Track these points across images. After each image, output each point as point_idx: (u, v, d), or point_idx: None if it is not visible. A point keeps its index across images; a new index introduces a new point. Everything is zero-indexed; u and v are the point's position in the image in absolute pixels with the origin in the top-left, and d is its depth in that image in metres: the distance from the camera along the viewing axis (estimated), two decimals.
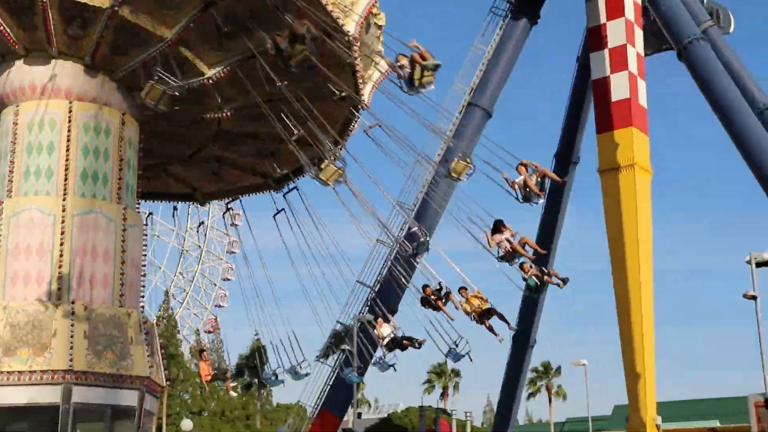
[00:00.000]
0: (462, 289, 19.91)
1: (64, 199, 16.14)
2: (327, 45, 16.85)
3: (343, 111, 19.91)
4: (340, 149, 19.76)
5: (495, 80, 46.55)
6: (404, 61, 16.76)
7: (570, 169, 52.07)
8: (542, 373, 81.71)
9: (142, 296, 17.71)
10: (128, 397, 15.72)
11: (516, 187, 18.21)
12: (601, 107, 48.84)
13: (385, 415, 72.54)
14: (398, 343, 20.99)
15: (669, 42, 46.03)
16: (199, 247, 73.49)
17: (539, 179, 18.21)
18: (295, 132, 18.73)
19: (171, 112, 18.52)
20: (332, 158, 17.79)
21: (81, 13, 15.69)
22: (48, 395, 14.86)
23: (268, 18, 16.36)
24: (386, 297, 45.01)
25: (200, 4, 16.05)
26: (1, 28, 15.99)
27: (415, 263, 22.29)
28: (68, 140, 16.39)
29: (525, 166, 18.14)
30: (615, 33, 48.60)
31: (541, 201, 20.03)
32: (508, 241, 17.96)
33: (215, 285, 73.38)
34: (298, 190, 22.27)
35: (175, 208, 30.81)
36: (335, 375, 45.91)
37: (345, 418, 47.16)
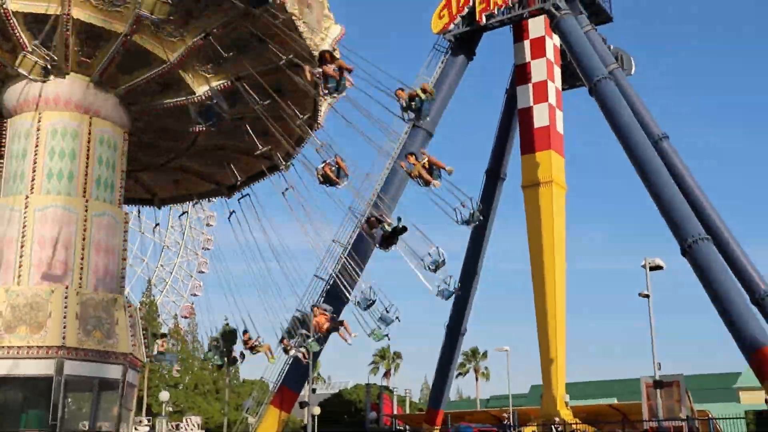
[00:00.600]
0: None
1: (86, 201, 16.01)
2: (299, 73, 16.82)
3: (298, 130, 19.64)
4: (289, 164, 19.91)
5: (437, 105, 46.79)
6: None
7: (498, 183, 52.50)
8: (471, 356, 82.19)
9: (124, 281, 17.51)
10: (113, 371, 15.59)
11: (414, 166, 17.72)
12: (525, 132, 49.46)
13: (337, 391, 72.39)
14: (335, 327, 20.79)
15: (582, 80, 46.73)
16: (178, 243, 73.05)
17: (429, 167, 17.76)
18: (261, 148, 18.78)
19: (160, 125, 18.39)
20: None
21: (97, 37, 15.51)
22: (43, 368, 14.71)
23: (252, 47, 16.39)
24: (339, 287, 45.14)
25: (200, 33, 15.99)
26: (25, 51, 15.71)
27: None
28: (88, 150, 16.18)
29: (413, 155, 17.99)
30: (538, 70, 49.30)
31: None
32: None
33: (191, 276, 73.01)
34: (250, 196, 21.82)
35: (138, 211, 29.69)
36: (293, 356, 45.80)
37: (301, 393, 46.96)
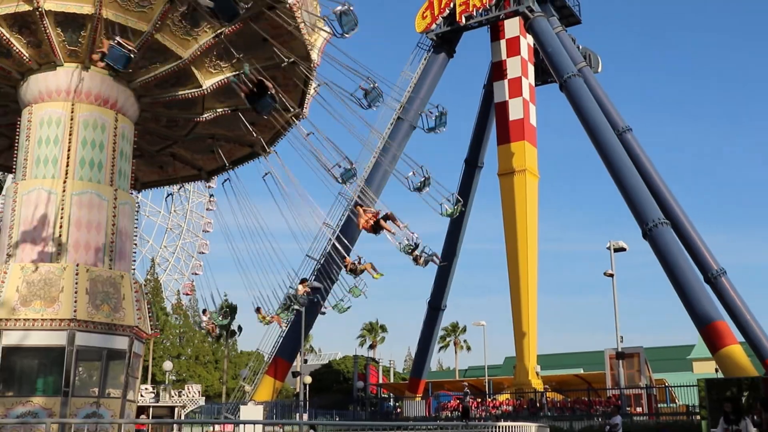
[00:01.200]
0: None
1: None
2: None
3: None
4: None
5: (419, 100, 46.86)
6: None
7: (476, 171, 52.74)
8: (451, 330, 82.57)
9: (134, 262, 17.56)
10: (120, 342, 15.59)
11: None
12: (501, 124, 49.68)
13: (327, 362, 72.73)
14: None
15: (553, 76, 46.90)
16: (180, 226, 72.94)
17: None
18: (255, 134, 18.86)
19: (166, 115, 18.36)
20: None
21: (124, 35, 15.51)
22: (56, 339, 14.72)
23: (258, 45, 16.37)
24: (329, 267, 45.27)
25: (213, 33, 15.99)
26: (15, 48, 15.69)
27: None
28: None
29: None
30: (513, 67, 49.48)
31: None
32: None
33: (192, 257, 73.01)
34: (230, 181, 21.50)
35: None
36: (287, 329, 45.98)
37: (294, 363, 47.21)
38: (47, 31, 15.15)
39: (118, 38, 13.76)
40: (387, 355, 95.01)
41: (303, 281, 20.82)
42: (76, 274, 14.98)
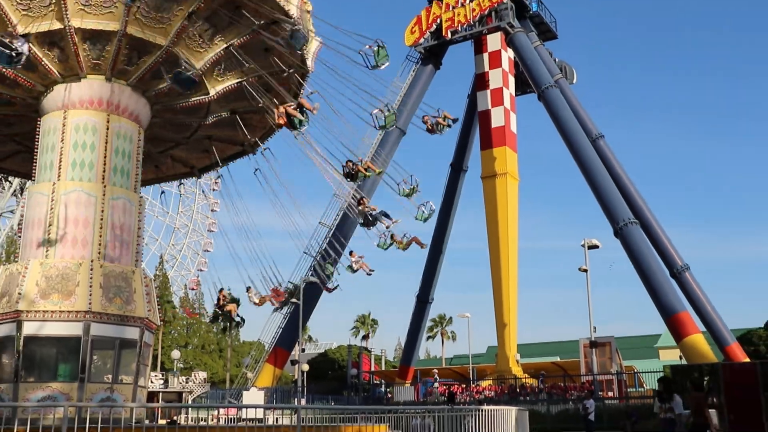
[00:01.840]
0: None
1: (104, 186, 16.03)
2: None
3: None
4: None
5: (408, 107, 46.99)
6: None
7: (461, 174, 52.86)
8: (437, 322, 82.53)
9: (143, 258, 17.58)
10: (132, 332, 15.58)
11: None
12: (484, 131, 49.82)
13: (323, 351, 72.59)
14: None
15: (532, 87, 47.09)
16: (187, 225, 72.77)
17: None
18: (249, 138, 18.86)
19: (173, 120, 18.35)
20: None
21: (143, 48, 15.59)
22: (72, 329, 14.72)
23: (259, 54, 16.42)
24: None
25: (223, 46, 16.05)
26: (44, 63, 15.70)
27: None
28: (106, 142, 16.15)
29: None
30: (495, 78, 49.64)
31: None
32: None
33: (198, 254, 72.88)
34: (222, 176, 21.39)
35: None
36: (287, 320, 46.01)
37: (292, 352, 47.18)
38: (75, 46, 15.19)
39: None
40: (379, 345, 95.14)
41: (248, 289, 20.73)
42: (91, 270, 14.99)
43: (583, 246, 37.42)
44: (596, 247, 37.64)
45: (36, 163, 16.22)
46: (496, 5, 47.59)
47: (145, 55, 15.79)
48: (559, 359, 55.30)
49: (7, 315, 14.81)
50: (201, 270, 70.07)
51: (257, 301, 20.23)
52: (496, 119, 49.17)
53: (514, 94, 50.83)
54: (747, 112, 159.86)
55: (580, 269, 37.60)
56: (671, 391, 14.51)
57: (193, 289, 62.83)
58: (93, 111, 16.09)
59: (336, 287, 22.49)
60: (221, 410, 23.89)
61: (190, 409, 24.13)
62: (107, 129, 16.10)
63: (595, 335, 36.94)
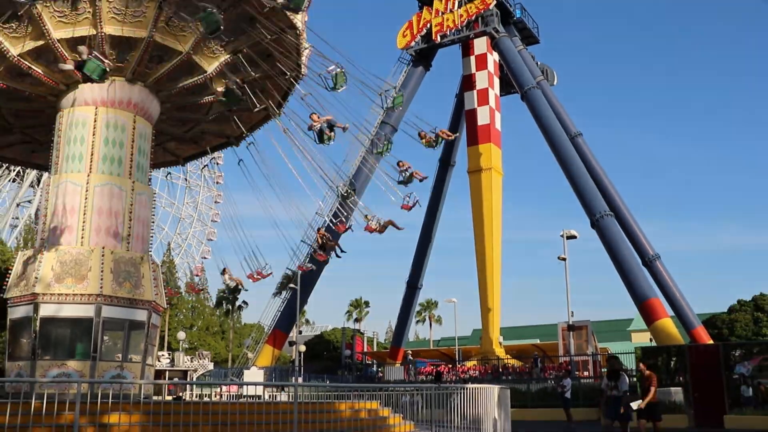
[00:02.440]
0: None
1: (133, 182, 16.01)
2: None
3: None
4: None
5: (400, 107, 46.97)
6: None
7: (449, 169, 52.98)
8: (426, 306, 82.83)
9: (151, 246, 17.54)
10: (140, 314, 15.60)
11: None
12: (470, 129, 49.89)
13: (319, 333, 72.72)
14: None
15: (516, 88, 47.18)
16: (192, 216, 72.59)
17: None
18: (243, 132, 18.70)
19: (177, 117, 18.27)
20: None
21: (164, 53, 15.51)
22: (85, 311, 14.72)
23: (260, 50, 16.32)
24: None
25: (231, 52, 15.92)
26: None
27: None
28: (132, 141, 16.19)
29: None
30: (481, 80, 49.70)
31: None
32: None
33: (202, 243, 72.73)
34: (208, 167, 21.09)
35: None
36: (285, 304, 46.12)
37: (290, 334, 47.33)
38: (104, 51, 15.21)
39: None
40: (371, 328, 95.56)
41: (224, 270, 20.28)
42: (102, 256, 15.01)
43: (562, 236, 37.52)
44: (574, 237, 37.78)
45: (58, 153, 16.12)
46: (482, 11, 47.62)
47: (165, 59, 15.78)
48: (539, 341, 55.62)
49: (24, 297, 14.84)
50: (205, 258, 70.12)
51: (229, 281, 19.98)
52: (482, 117, 49.25)
53: (498, 94, 50.91)
54: (713, 112, 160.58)
55: (559, 258, 37.69)
56: (618, 370, 14.60)
57: (197, 275, 62.80)
58: (121, 110, 16.14)
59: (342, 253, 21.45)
60: (224, 387, 23.94)
61: (194, 386, 24.17)
62: (134, 128, 16.20)
63: (573, 319, 37.15)
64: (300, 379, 37.12)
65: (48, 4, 14.43)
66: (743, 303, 55.86)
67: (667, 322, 38.76)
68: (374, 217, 17.76)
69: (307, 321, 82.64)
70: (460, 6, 48.09)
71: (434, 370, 40.15)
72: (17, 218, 60.77)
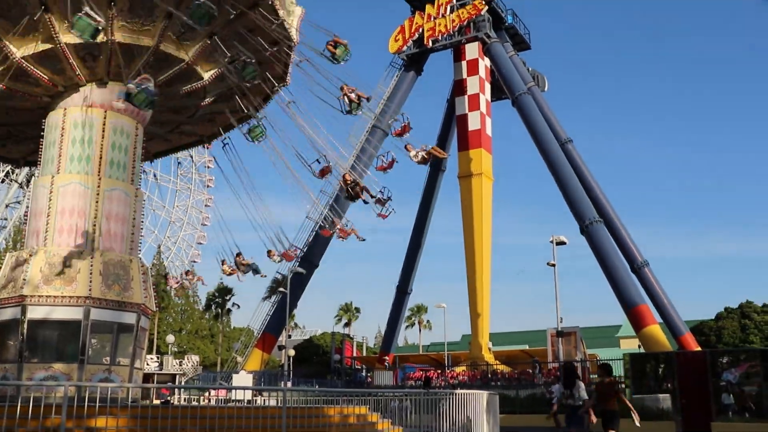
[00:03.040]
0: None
1: (99, 178, 15.89)
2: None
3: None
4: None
5: (391, 110, 47.11)
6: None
7: (439, 174, 53.07)
8: (415, 311, 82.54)
9: (140, 249, 17.47)
10: (129, 317, 15.52)
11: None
12: (461, 134, 50.02)
13: (308, 337, 72.53)
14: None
15: (507, 93, 47.35)
16: (182, 219, 72.31)
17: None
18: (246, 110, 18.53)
19: (163, 118, 18.21)
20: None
21: (170, 63, 15.56)
22: (73, 313, 14.63)
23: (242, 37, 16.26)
24: (311, 254, 45.27)
25: (207, 35, 15.82)
26: (77, 72, 15.60)
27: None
28: (102, 137, 16.04)
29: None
30: (472, 85, 49.85)
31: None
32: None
33: (192, 246, 72.47)
34: (193, 158, 20.97)
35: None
36: (275, 308, 45.99)
37: (279, 338, 47.19)
38: (110, 58, 15.20)
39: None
40: (360, 332, 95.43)
41: (238, 254, 20.12)
42: (92, 258, 14.95)
43: (551, 242, 37.60)
44: (563, 243, 37.88)
45: (43, 154, 16.12)
46: (474, 17, 47.83)
47: (164, 65, 15.81)
48: (528, 347, 55.71)
49: (12, 299, 14.75)
50: (195, 261, 69.87)
51: (228, 270, 19.88)
52: (473, 123, 49.40)
53: (489, 99, 51.09)
54: (705, 118, 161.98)
55: (548, 264, 37.76)
56: (573, 377, 14.03)
57: (187, 279, 62.49)
58: (91, 108, 15.99)
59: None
60: (212, 391, 23.88)
61: (183, 389, 24.04)
62: (104, 125, 16.02)
63: (562, 325, 37.24)
64: (289, 384, 36.99)
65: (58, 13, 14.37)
66: (730, 310, 56.30)
67: (656, 329, 38.97)
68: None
69: (297, 325, 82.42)
70: (452, 11, 48.29)
71: (423, 375, 40.10)
72: (6, 219, 60.30)
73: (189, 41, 15.68)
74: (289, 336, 57.88)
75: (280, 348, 48.42)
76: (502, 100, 51.36)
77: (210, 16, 13.15)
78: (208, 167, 65.32)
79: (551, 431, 24.34)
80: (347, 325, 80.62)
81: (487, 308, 48.00)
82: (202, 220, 70.18)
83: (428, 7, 49.06)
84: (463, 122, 49.64)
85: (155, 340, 54.86)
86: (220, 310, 66.17)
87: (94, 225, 15.42)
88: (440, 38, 48.91)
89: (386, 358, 49.94)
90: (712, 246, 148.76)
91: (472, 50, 49.61)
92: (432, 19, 48.84)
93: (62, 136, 15.73)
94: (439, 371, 45.05)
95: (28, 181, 58.20)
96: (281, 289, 42.77)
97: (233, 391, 22.20)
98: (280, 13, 16.08)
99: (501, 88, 48.60)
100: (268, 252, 19.78)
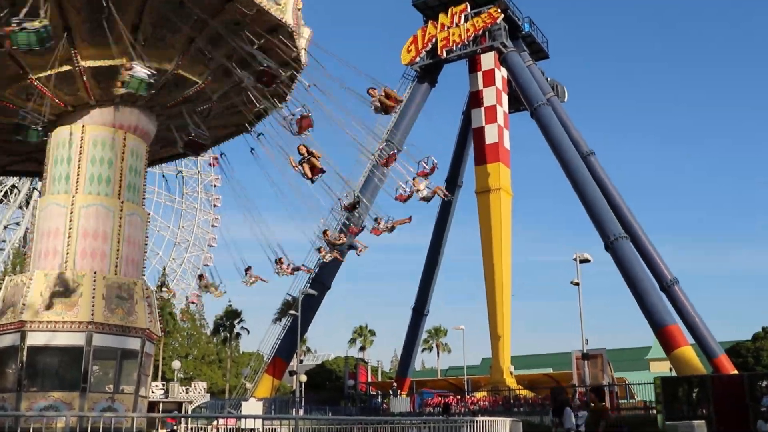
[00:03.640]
0: None
1: (121, 201, 15.96)
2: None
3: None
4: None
5: (405, 124, 47.21)
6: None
7: (456, 190, 52.96)
8: (433, 333, 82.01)
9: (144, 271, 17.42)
10: (133, 343, 15.45)
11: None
12: (478, 147, 50.00)
13: (321, 362, 72.30)
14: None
15: (525, 105, 47.28)
16: (188, 240, 72.55)
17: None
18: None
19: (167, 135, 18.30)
20: None
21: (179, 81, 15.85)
22: (75, 339, 14.59)
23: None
24: (322, 275, 45.14)
25: (224, 57, 16.05)
26: (94, 91, 15.76)
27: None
28: (122, 160, 16.28)
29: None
30: (489, 96, 49.89)
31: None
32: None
33: (198, 269, 72.56)
34: (197, 164, 21.13)
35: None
36: (285, 331, 45.85)
37: (290, 363, 46.98)
38: (87, 83, 15.36)
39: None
40: (375, 356, 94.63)
41: (248, 269, 20.17)
42: (94, 281, 14.92)
43: (574, 260, 37.18)
44: (588, 261, 37.42)
45: (47, 175, 16.16)
46: (489, 26, 47.90)
47: (179, 87, 16.05)
48: (552, 371, 55.05)
49: (11, 325, 14.73)
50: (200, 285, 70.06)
51: (251, 280, 19.85)
52: (490, 136, 49.36)
53: (507, 111, 51.07)
54: (728, 131, 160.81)
55: (572, 282, 37.27)
56: (561, 403, 13.97)
57: (193, 303, 62.56)
58: (110, 128, 16.17)
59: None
60: (221, 420, 23.72)
61: (190, 418, 23.90)
62: (123, 146, 16.22)
63: (587, 347, 36.75)
64: (301, 412, 36.75)
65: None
66: None
67: (688, 351, 38.35)
68: (383, 219, 17.47)
69: (309, 349, 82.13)
70: (466, 20, 48.43)
71: (442, 401, 39.71)
72: (4, 241, 60.80)
73: (203, 65, 15.86)
74: (301, 361, 57.55)
75: (291, 373, 48.14)
76: (521, 112, 51.31)
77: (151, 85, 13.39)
78: (215, 185, 65.66)
79: None
80: (362, 349, 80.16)
81: (507, 330, 47.61)
82: (209, 241, 70.33)
83: (441, 16, 49.25)
84: (480, 135, 49.61)
85: (160, 366, 54.82)
86: (228, 334, 66.10)
87: (118, 250, 15.51)
88: (454, 48, 49.02)
89: (394, 384, 49.52)
90: (748, 262, 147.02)
91: (487, 60, 49.68)
92: (446, 28, 49.00)
93: (80, 154, 15.80)
94: (459, 397, 44.66)
95: (28, 202, 58.75)
96: (292, 311, 42.65)
97: (243, 419, 22.00)
98: (297, 41, 16.28)
99: (519, 99, 48.54)
100: (278, 260, 19.52)
